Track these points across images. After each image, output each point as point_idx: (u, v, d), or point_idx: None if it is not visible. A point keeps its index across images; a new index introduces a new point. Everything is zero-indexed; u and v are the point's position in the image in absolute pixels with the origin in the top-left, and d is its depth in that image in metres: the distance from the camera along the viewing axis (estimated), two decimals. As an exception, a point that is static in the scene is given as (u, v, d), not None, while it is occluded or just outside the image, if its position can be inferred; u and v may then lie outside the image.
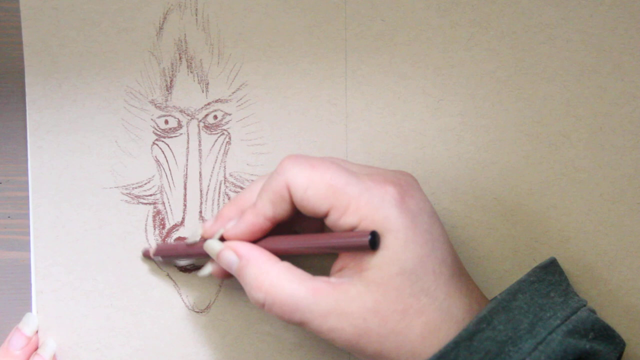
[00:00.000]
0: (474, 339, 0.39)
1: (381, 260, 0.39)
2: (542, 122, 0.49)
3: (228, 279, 0.47)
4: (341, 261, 0.42)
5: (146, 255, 0.50)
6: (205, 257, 0.46)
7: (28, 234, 0.52)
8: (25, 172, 0.52)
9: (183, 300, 0.51)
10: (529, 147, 0.49)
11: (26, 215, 0.52)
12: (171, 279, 0.51)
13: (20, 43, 0.51)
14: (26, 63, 0.51)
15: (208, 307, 0.51)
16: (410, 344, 0.40)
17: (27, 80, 0.51)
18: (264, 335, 0.50)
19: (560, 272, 0.44)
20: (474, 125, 0.49)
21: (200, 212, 0.51)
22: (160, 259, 0.50)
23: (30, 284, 0.51)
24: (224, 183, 0.51)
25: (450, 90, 0.49)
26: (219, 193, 0.51)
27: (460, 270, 0.43)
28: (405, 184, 0.42)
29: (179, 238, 0.51)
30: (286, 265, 0.42)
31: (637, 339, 0.48)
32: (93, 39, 0.51)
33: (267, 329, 0.50)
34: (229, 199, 0.50)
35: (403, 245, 0.39)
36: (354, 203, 0.40)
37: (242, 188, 0.50)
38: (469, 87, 0.49)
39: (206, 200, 0.51)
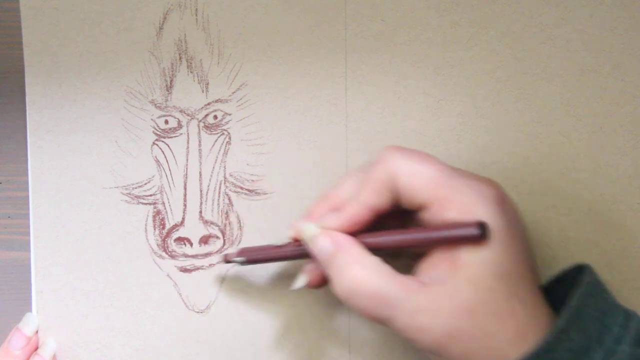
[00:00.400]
0: (555, 350, 0.38)
1: (480, 258, 0.39)
2: (542, 122, 0.49)
3: (319, 289, 0.45)
4: (430, 260, 0.41)
5: (227, 260, 0.48)
6: (291, 259, 0.46)
7: (28, 234, 0.52)
8: (25, 172, 0.52)
9: (183, 300, 0.51)
10: (529, 147, 0.49)
11: (26, 215, 0.52)
12: (171, 279, 0.51)
13: (21, 43, 0.51)
14: (26, 63, 0.51)
15: (208, 307, 0.51)
16: (500, 347, 0.38)
17: (27, 80, 0.51)
18: (264, 335, 0.50)
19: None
20: (474, 125, 0.49)
21: (200, 212, 0.51)
22: (244, 259, 0.47)
23: (30, 284, 0.51)
24: (224, 183, 0.51)
25: (450, 90, 0.49)
26: (219, 193, 0.51)
27: (538, 279, 0.42)
28: (500, 189, 0.42)
29: (179, 238, 0.51)
30: (378, 260, 0.41)
31: (637, 339, 0.48)
32: (93, 39, 0.51)
33: (267, 329, 0.50)
34: (229, 199, 0.50)
35: (503, 246, 0.39)
36: (457, 197, 0.40)
37: (242, 188, 0.50)
38: (469, 87, 0.49)
39: (206, 200, 0.51)
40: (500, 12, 0.49)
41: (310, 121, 0.50)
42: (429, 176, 0.40)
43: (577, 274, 0.42)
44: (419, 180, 0.40)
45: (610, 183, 0.48)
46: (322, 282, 0.44)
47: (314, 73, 0.50)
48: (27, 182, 0.52)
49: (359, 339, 0.50)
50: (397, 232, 0.42)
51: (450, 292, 0.39)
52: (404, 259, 0.44)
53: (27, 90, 0.51)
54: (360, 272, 0.40)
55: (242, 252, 0.47)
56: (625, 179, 0.48)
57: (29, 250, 0.52)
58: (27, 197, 0.52)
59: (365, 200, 0.42)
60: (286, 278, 0.50)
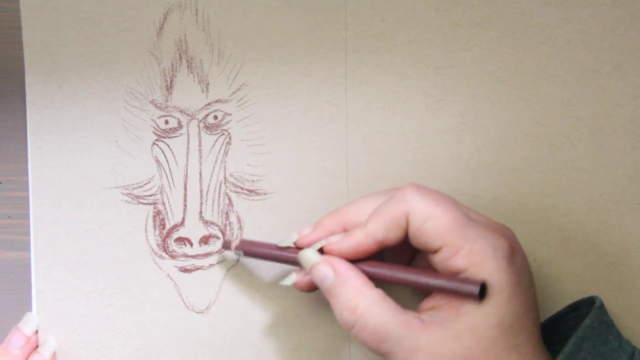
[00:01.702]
0: None
1: (482, 310, 0.39)
2: (542, 122, 0.49)
3: (308, 292, 0.46)
4: (434, 300, 0.42)
5: (226, 247, 0.49)
6: (290, 264, 0.46)
7: (28, 234, 0.52)
8: (25, 172, 0.52)
9: (183, 300, 0.51)
10: (529, 147, 0.49)
11: (26, 215, 0.52)
12: (171, 279, 0.51)
13: (21, 43, 0.51)
14: (26, 63, 0.51)
15: (208, 307, 0.51)
16: None
17: (27, 80, 0.51)
18: (264, 335, 0.50)
19: (605, 309, 0.44)
20: (474, 126, 0.49)
21: (201, 212, 0.51)
22: (241, 253, 0.48)
23: (30, 284, 0.51)
24: (224, 183, 0.51)
25: (450, 90, 0.49)
26: (219, 193, 0.51)
27: (540, 329, 0.42)
28: (513, 239, 0.42)
29: (180, 238, 0.51)
30: (381, 293, 0.41)
31: (638, 339, 0.48)
32: (93, 39, 0.51)
33: (267, 329, 0.50)
34: (229, 199, 0.50)
35: (507, 299, 0.39)
36: (468, 246, 0.40)
37: (242, 188, 0.50)
38: (469, 87, 0.49)
39: (206, 201, 0.51)
40: (501, 13, 0.49)
41: (311, 121, 0.50)
42: (443, 222, 0.40)
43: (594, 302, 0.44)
44: (432, 225, 0.41)
45: (610, 183, 0.48)
46: (310, 288, 0.45)
47: (314, 73, 0.50)
48: (27, 182, 0.52)
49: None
50: (401, 269, 0.43)
51: (451, 338, 0.39)
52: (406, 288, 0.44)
53: (27, 90, 0.51)
54: (362, 306, 0.41)
55: (241, 244, 0.48)
56: (625, 179, 0.48)
57: (29, 250, 0.52)
58: (27, 197, 0.51)
59: (373, 232, 0.42)
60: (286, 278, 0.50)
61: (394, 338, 0.40)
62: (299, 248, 0.45)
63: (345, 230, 0.44)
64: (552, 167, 0.49)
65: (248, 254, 0.48)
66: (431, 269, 0.42)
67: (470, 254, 0.40)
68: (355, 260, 0.43)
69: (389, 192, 0.44)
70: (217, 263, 0.51)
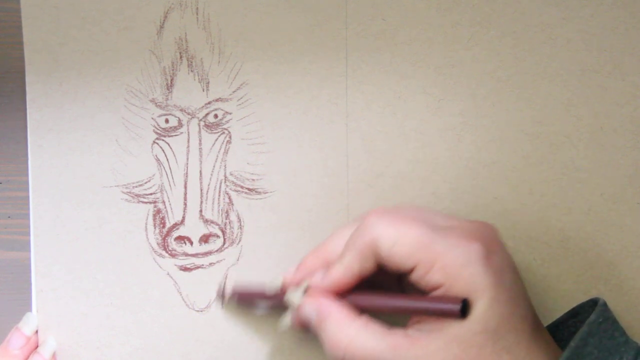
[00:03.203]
0: None
1: (467, 317, 0.39)
2: (542, 122, 0.49)
3: (307, 332, 0.46)
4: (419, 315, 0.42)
5: (220, 295, 0.51)
6: (283, 306, 0.46)
7: (28, 234, 0.52)
8: (25, 172, 0.52)
9: (183, 299, 0.51)
10: (529, 147, 0.49)
11: (26, 215, 0.52)
12: (171, 277, 0.51)
13: (21, 43, 0.51)
14: (27, 62, 0.51)
15: (208, 306, 0.51)
16: None
17: (27, 79, 0.51)
18: (264, 334, 0.50)
19: (609, 307, 0.44)
20: (474, 125, 0.49)
21: (201, 211, 0.51)
22: (235, 301, 0.50)
23: (30, 284, 0.51)
24: (224, 182, 0.51)
25: (450, 89, 0.49)
26: (219, 192, 0.51)
27: (538, 324, 0.42)
28: (489, 238, 0.42)
29: (180, 237, 0.51)
30: (364, 321, 0.42)
31: (638, 339, 0.48)
32: (94, 37, 0.51)
33: (267, 328, 0.50)
34: (229, 198, 0.50)
35: (488, 304, 0.39)
36: (440, 260, 0.40)
37: (242, 187, 0.51)
38: (469, 87, 0.49)
39: (206, 199, 0.51)
40: (501, 12, 0.49)
41: (311, 120, 0.50)
42: (410, 241, 0.41)
43: (594, 305, 0.44)
44: (400, 247, 0.41)
45: (610, 183, 0.49)
46: (307, 329, 0.45)
47: (315, 72, 0.50)
48: (27, 182, 0.52)
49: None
50: (383, 296, 0.43)
51: (438, 350, 0.39)
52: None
53: (28, 88, 0.51)
54: (348, 337, 0.41)
55: (234, 293, 0.50)
56: (625, 179, 0.48)
57: (29, 250, 0.52)
58: (27, 197, 0.51)
59: (349, 265, 0.43)
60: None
61: None
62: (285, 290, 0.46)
63: (327, 266, 0.44)
64: (552, 167, 0.49)
65: (241, 300, 0.50)
66: (416, 290, 0.42)
67: (443, 267, 0.40)
68: (341, 293, 0.44)
69: (359, 219, 0.45)
70: (217, 262, 0.51)
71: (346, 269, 0.43)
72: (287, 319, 0.46)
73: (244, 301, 0.50)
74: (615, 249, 0.48)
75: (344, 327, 0.42)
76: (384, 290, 0.45)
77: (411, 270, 0.41)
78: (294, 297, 0.45)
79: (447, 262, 0.40)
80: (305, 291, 0.44)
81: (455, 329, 0.39)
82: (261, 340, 0.50)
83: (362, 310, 0.43)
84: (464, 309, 0.39)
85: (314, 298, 0.44)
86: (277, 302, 0.47)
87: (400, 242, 0.41)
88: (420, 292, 0.42)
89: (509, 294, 0.40)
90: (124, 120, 0.51)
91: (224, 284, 0.51)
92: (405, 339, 0.40)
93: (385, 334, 0.41)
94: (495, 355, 0.39)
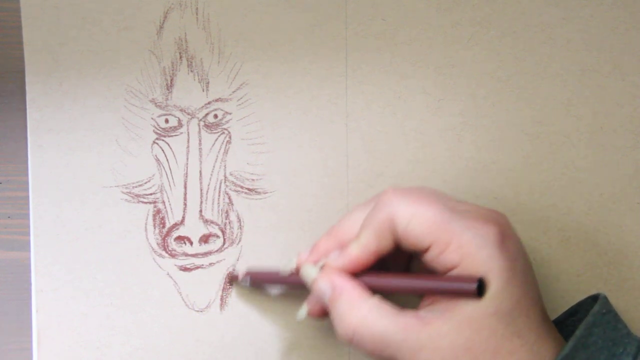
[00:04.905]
0: None
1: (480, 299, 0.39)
2: (542, 122, 0.49)
3: (324, 320, 0.46)
4: (432, 296, 0.42)
5: (232, 278, 0.50)
6: (296, 287, 0.46)
7: (28, 234, 0.52)
8: (25, 172, 0.52)
9: (183, 299, 0.51)
10: (529, 147, 0.49)
11: (26, 215, 0.52)
12: (171, 277, 0.51)
13: (21, 43, 0.51)
14: (26, 62, 0.51)
15: (208, 306, 0.51)
16: None
17: (27, 79, 0.51)
18: (264, 334, 0.50)
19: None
20: (474, 125, 0.49)
21: (201, 211, 0.51)
22: (247, 282, 0.49)
23: (30, 284, 0.51)
24: (224, 182, 0.51)
25: (450, 89, 0.49)
26: (219, 192, 0.51)
27: (545, 313, 0.43)
28: (504, 224, 0.42)
29: (179, 237, 0.51)
30: (377, 301, 0.41)
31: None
32: (93, 37, 0.51)
33: (267, 329, 0.50)
34: (229, 198, 0.51)
35: (502, 286, 0.39)
36: (456, 240, 0.40)
37: (242, 187, 0.51)
38: (469, 87, 0.49)
39: (206, 200, 0.51)
40: (501, 12, 0.49)
41: (311, 120, 0.50)
42: (427, 219, 0.41)
43: (593, 303, 0.44)
44: (417, 224, 0.41)
45: (610, 183, 0.49)
46: (324, 314, 0.45)
47: (315, 72, 0.50)
48: (27, 182, 0.52)
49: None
50: (398, 276, 0.43)
51: (450, 330, 0.39)
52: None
53: (28, 88, 0.51)
54: (359, 316, 0.41)
55: (247, 273, 0.49)
56: (625, 179, 0.49)
57: (29, 250, 0.52)
58: (27, 197, 0.51)
59: (366, 243, 0.42)
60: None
61: (395, 342, 0.40)
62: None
63: (341, 247, 0.44)
64: (552, 166, 0.49)
65: (255, 283, 0.49)
66: (428, 272, 0.42)
67: (459, 247, 0.40)
68: (356, 273, 0.43)
69: (373, 199, 0.44)
70: (217, 262, 0.51)
71: (363, 247, 0.42)
72: (303, 310, 0.45)
73: (257, 282, 0.49)
74: (615, 249, 0.48)
75: (355, 305, 0.41)
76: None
77: (426, 250, 0.41)
78: (310, 272, 0.44)
79: (464, 242, 0.40)
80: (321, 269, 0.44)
81: (468, 310, 0.39)
82: (261, 340, 0.51)
83: (375, 291, 0.42)
84: (479, 288, 0.39)
85: (329, 274, 0.43)
86: (290, 284, 0.46)
87: (418, 220, 0.41)
88: (432, 273, 0.42)
89: (522, 279, 0.40)
90: (124, 120, 0.51)
91: (235, 267, 0.51)
92: (417, 320, 0.40)
93: (397, 315, 0.41)
94: (506, 339, 0.39)
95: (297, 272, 0.46)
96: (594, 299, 0.45)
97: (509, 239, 0.41)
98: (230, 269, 0.51)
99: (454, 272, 0.40)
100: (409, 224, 0.41)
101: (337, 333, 0.42)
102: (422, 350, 0.39)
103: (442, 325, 0.39)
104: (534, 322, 0.40)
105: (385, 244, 0.42)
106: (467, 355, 0.39)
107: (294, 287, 0.47)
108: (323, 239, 0.45)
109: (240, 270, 0.50)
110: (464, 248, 0.40)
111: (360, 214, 0.44)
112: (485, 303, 0.39)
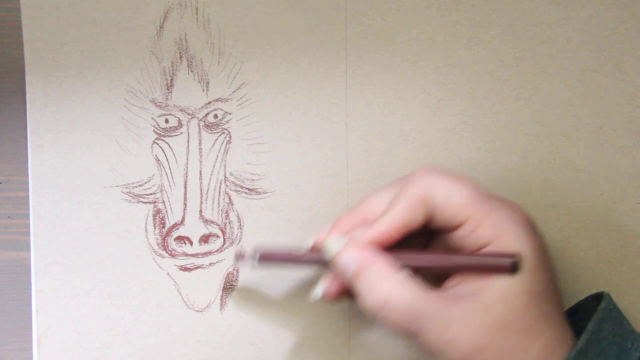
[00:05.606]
0: None
1: (511, 278, 0.40)
2: (542, 122, 0.49)
3: (337, 302, 0.45)
4: (457, 278, 0.42)
5: (239, 258, 0.47)
6: (309, 266, 0.45)
7: (28, 234, 0.52)
8: (25, 172, 0.52)
9: (183, 299, 0.51)
10: (529, 147, 0.49)
11: (26, 215, 0.52)
12: (171, 278, 0.51)
13: (21, 43, 0.51)
14: (26, 61, 0.51)
15: (208, 306, 0.51)
16: None
17: (27, 78, 0.51)
18: (264, 334, 0.50)
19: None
20: (474, 125, 0.49)
21: (201, 211, 0.51)
22: (256, 261, 0.46)
23: (30, 284, 0.51)
24: (224, 182, 0.51)
25: (450, 89, 0.49)
26: (219, 192, 0.51)
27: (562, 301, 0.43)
28: (527, 212, 0.43)
29: (180, 237, 0.51)
30: (406, 274, 0.41)
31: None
32: (94, 37, 0.51)
33: (267, 329, 0.50)
34: (229, 198, 0.51)
35: (534, 267, 0.40)
36: (490, 217, 0.40)
37: (242, 187, 0.51)
38: (469, 87, 0.49)
39: (206, 200, 0.51)
40: (501, 12, 0.49)
41: (311, 120, 0.50)
42: (466, 195, 0.41)
43: (595, 302, 0.44)
44: (455, 198, 0.41)
45: (610, 183, 0.49)
46: (340, 293, 0.44)
47: (315, 72, 0.50)
48: (27, 182, 0.52)
49: (358, 338, 0.50)
50: (428, 253, 0.43)
51: (483, 308, 0.39)
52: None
53: (28, 88, 0.51)
54: (390, 287, 0.41)
55: (255, 251, 0.46)
56: (625, 179, 0.49)
57: (29, 250, 0.52)
58: (27, 197, 0.51)
59: (398, 216, 0.42)
60: (286, 277, 0.50)
61: (427, 315, 0.40)
62: (314, 252, 0.45)
63: (365, 225, 0.44)
64: (552, 166, 0.49)
65: (264, 260, 0.46)
66: (452, 251, 0.42)
67: (494, 224, 0.40)
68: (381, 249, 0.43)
69: (401, 180, 0.44)
70: (217, 262, 0.51)
71: (394, 220, 0.42)
72: (319, 289, 0.44)
73: (266, 260, 0.46)
74: (615, 249, 0.48)
75: (385, 278, 0.41)
76: None
77: (458, 225, 0.41)
78: (334, 245, 0.43)
79: (497, 220, 0.40)
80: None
81: (501, 287, 0.39)
82: (261, 340, 0.51)
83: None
84: (514, 264, 0.39)
85: (357, 246, 0.42)
86: (307, 258, 0.45)
87: (456, 194, 0.41)
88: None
89: (549, 264, 0.41)
90: (124, 120, 0.51)
91: (242, 247, 0.50)
92: (447, 297, 0.40)
93: (428, 290, 0.40)
94: (535, 319, 0.39)
95: (314, 249, 0.45)
96: (594, 298, 0.45)
97: (535, 226, 0.42)
98: (240, 248, 0.50)
99: (486, 250, 0.41)
100: (447, 197, 0.41)
101: (364, 304, 0.41)
102: (453, 326, 0.39)
103: (474, 303, 0.39)
104: (558, 307, 0.41)
105: (417, 219, 0.42)
106: (498, 333, 0.39)
107: (305, 266, 0.45)
108: (346, 216, 0.45)
109: (248, 249, 0.49)
110: (499, 225, 0.40)
111: (385, 193, 0.44)
112: (518, 281, 0.39)
